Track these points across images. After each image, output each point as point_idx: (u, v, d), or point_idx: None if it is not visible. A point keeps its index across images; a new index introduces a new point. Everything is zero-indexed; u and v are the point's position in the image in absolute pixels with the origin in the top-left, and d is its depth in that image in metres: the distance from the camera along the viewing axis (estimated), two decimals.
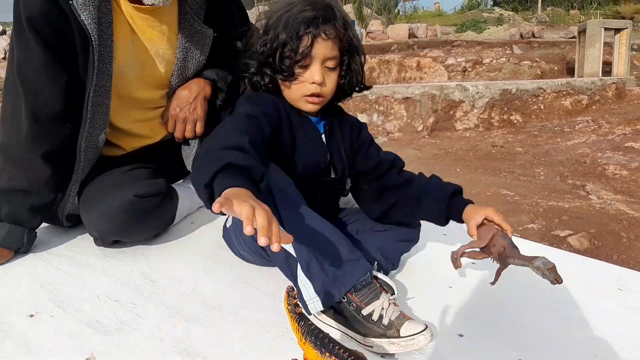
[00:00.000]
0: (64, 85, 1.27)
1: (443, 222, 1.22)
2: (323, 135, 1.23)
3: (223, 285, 1.23)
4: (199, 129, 1.53)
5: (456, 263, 1.13)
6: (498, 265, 1.09)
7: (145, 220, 1.39)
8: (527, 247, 1.61)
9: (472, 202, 1.19)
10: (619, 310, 1.21)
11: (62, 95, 1.27)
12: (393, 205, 1.25)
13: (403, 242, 1.30)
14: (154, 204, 1.39)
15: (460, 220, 1.17)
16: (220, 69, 1.54)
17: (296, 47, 1.10)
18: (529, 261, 0.99)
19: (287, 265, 1.08)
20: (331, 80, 1.17)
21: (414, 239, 1.32)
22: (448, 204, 1.18)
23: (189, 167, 1.60)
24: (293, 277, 1.06)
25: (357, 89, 1.24)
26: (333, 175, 1.23)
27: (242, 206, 0.73)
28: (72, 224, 1.47)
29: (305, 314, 0.82)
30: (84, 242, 1.45)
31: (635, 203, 3.87)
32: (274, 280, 1.22)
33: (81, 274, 1.28)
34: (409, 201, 1.24)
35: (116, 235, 1.37)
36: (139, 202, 1.34)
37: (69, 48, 1.25)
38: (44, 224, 1.49)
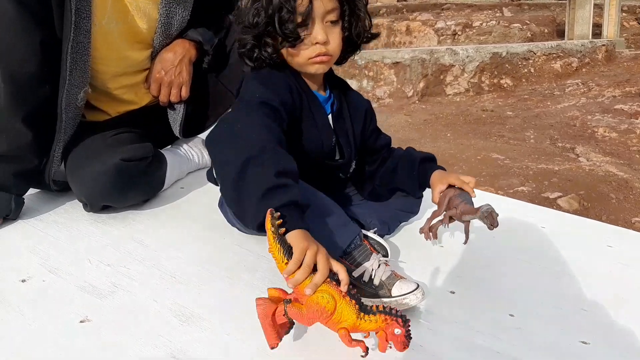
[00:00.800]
0: (39, 44, 1.22)
1: (417, 190, 1.22)
2: (330, 117, 1.17)
3: (215, 249, 1.23)
4: (184, 92, 1.50)
5: (427, 236, 1.14)
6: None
7: (134, 184, 1.37)
8: (518, 207, 1.62)
9: (442, 168, 1.18)
10: (609, 266, 1.22)
11: (37, 55, 1.23)
12: (377, 180, 1.27)
13: (401, 211, 1.29)
14: (141, 168, 1.37)
15: (429, 186, 1.17)
16: (205, 30, 1.50)
17: (293, 7, 1.01)
18: (475, 212, 1.03)
19: None
20: (335, 35, 1.07)
21: (413, 211, 1.31)
22: (418, 171, 1.18)
23: (176, 132, 1.57)
24: None
25: (364, 39, 1.15)
26: (338, 158, 1.19)
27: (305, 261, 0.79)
28: (60, 188, 1.45)
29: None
30: (72, 208, 1.44)
31: (623, 165, 3.90)
32: (266, 242, 1.22)
33: (71, 239, 1.27)
34: (387, 172, 1.25)
35: (104, 200, 1.36)
36: (126, 165, 1.32)
37: (42, 4, 1.20)
38: (32, 190, 1.47)
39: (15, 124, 1.26)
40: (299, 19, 1.02)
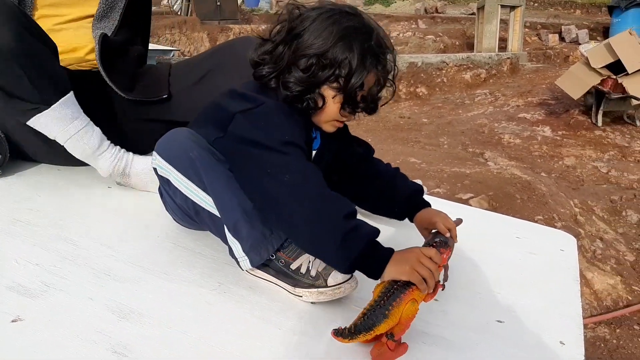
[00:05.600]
0: None
1: (400, 219, 1.29)
2: (314, 152, 1.19)
3: (149, 247, 1.23)
4: None
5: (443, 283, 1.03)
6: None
7: None
8: (437, 204, 1.73)
9: (426, 204, 1.24)
10: (518, 255, 1.36)
11: None
12: (354, 196, 1.23)
13: None
14: None
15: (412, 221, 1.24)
16: None
17: (361, 80, 1.05)
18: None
19: (214, 227, 1.10)
20: None
21: None
22: (402, 210, 1.25)
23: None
24: (223, 237, 1.08)
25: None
26: None
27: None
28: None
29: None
30: None
31: (527, 168, 4.23)
32: (202, 239, 1.24)
33: None
34: (369, 198, 1.30)
35: None
36: None
37: None
38: None
39: None
40: (378, 92, 1.12)
